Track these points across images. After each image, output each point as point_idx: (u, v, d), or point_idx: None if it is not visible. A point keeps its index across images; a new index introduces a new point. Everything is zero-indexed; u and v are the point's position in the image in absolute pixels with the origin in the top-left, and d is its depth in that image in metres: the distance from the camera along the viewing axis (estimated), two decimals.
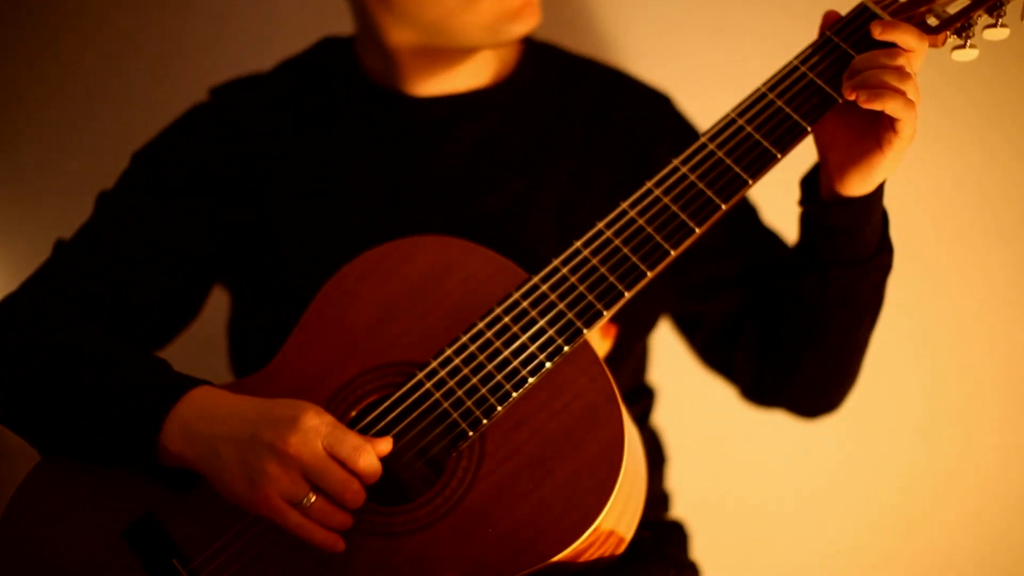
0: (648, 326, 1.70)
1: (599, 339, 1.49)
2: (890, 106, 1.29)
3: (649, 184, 1.39)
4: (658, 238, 1.36)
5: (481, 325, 1.38)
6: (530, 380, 1.34)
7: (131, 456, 1.37)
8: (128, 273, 1.60)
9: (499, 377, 1.35)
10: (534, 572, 1.29)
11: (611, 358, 1.51)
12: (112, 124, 2.18)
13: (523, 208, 1.61)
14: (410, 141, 1.64)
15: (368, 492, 1.33)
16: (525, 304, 1.38)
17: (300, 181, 1.64)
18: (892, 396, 2.05)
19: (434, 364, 1.38)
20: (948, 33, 1.36)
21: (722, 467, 2.14)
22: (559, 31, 1.84)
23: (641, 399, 1.73)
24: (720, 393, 1.82)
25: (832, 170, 1.40)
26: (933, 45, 1.36)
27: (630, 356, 1.66)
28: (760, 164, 1.36)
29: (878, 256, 1.46)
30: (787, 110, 1.37)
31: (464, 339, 1.38)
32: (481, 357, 1.37)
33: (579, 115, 1.66)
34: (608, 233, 1.38)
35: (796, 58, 1.39)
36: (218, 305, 1.77)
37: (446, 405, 1.36)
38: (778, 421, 1.82)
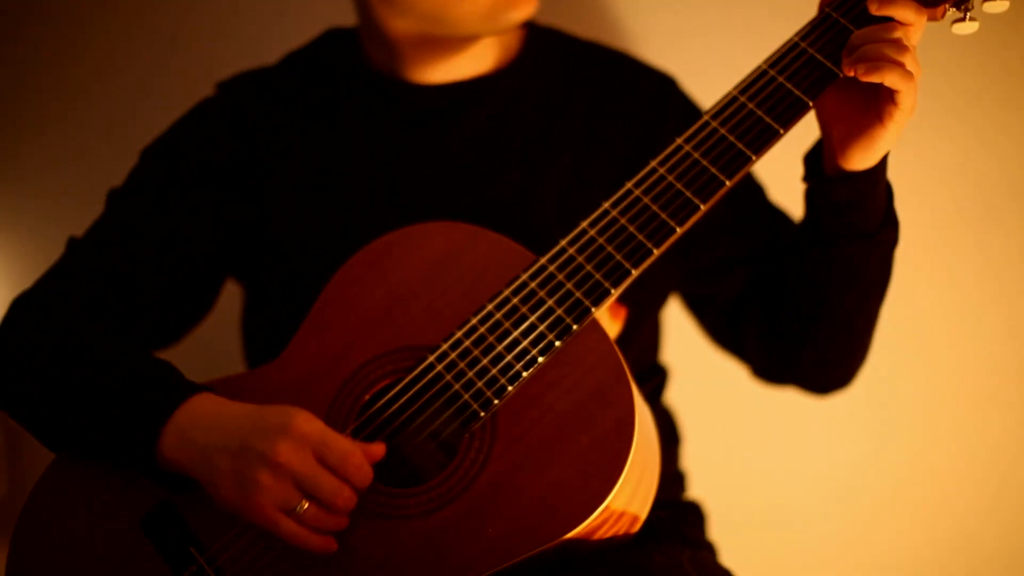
0: (657, 304, 1.71)
1: (609, 320, 1.50)
2: (888, 78, 1.30)
3: (653, 163, 1.39)
4: (663, 216, 1.37)
5: (490, 307, 1.39)
6: (540, 359, 1.35)
7: (131, 461, 1.39)
8: (141, 269, 1.61)
9: (509, 357, 1.36)
10: (548, 550, 1.30)
11: (621, 338, 1.52)
12: (120, 119, 2.19)
13: (529, 192, 1.62)
14: (414, 129, 1.65)
15: (381, 475, 1.35)
16: (533, 285, 1.39)
17: (306, 173, 1.65)
18: (908, 376, 2.05)
19: (445, 347, 1.39)
20: (947, 6, 1.36)
21: (738, 447, 2.14)
22: (562, 16, 1.85)
23: (653, 378, 1.74)
24: (735, 373, 1.83)
25: (835, 145, 1.40)
26: (932, 18, 1.37)
27: (640, 335, 1.67)
28: (763, 140, 1.37)
29: (884, 230, 1.47)
30: (788, 86, 1.37)
31: (474, 321, 1.39)
32: (491, 338, 1.38)
33: (583, 98, 1.67)
34: (614, 213, 1.39)
35: (796, 35, 1.39)
36: (232, 298, 1.78)
37: (457, 387, 1.37)
38: (794, 400, 1.83)
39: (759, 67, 1.39)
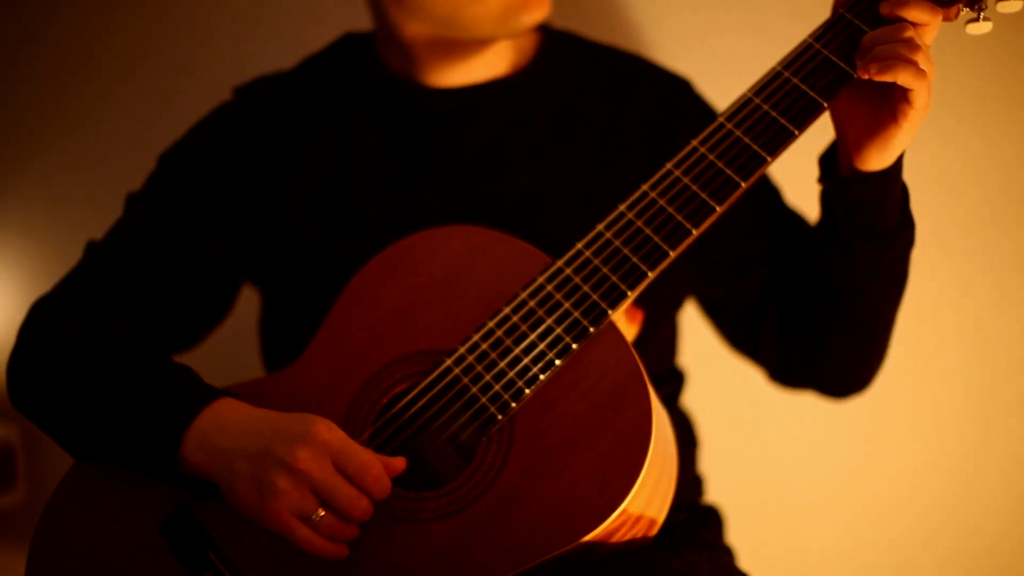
0: (674, 307, 1.71)
1: (625, 323, 1.50)
2: (901, 77, 1.30)
3: (669, 165, 1.40)
4: (679, 218, 1.37)
5: (507, 310, 1.39)
6: (557, 362, 1.36)
7: (152, 465, 1.39)
8: (159, 274, 1.62)
9: (526, 360, 1.36)
10: (566, 553, 1.30)
11: (638, 341, 1.52)
12: (138, 123, 2.21)
13: (543, 195, 1.62)
14: (430, 132, 1.65)
15: (399, 479, 1.35)
16: (550, 288, 1.39)
17: (322, 177, 1.66)
18: (926, 379, 2.05)
19: (462, 350, 1.39)
20: (961, 6, 1.36)
21: (756, 451, 2.14)
22: (577, 19, 1.86)
23: (670, 382, 1.74)
24: (752, 377, 1.83)
25: (850, 145, 1.41)
26: (947, 19, 1.36)
27: (657, 339, 1.67)
28: (778, 141, 1.37)
29: (900, 230, 1.46)
30: (803, 87, 1.37)
31: (490, 324, 1.39)
32: (508, 342, 1.38)
33: (598, 102, 1.67)
34: (630, 215, 1.39)
35: (810, 36, 1.40)
36: (249, 302, 1.79)
37: (475, 390, 1.37)
38: (811, 404, 1.83)
39: (773, 69, 1.40)
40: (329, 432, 1.32)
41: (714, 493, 1.81)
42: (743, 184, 1.37)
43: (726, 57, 1.96)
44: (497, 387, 1.36)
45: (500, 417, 1.35)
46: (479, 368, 1.38)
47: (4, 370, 1.55)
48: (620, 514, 1.29)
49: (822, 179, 1.49)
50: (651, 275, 1.37)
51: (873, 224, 1.45)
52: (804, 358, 1.64)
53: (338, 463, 1.31)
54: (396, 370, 1.42)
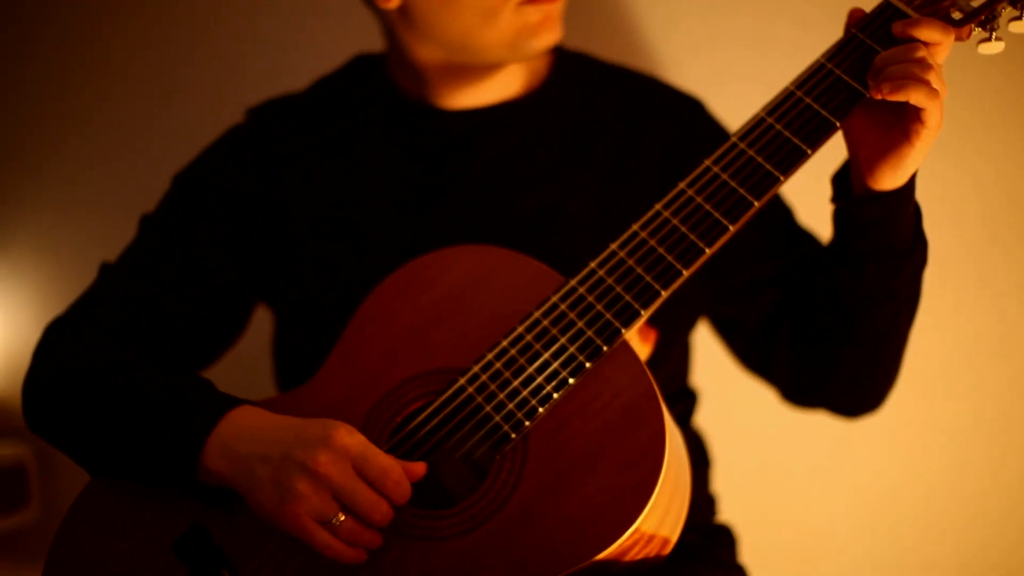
0: (687, 327, 1.71)
1: (639, 343, 1.50)
2: (914, 96, 1.30)
3: (682, 185, 1.40)
4: (692, 237, 1.38)
5: (521, 329, 1.40)
6: (570, 381, 1.36)
7: (173, 474, 1.39)
8: (172, 295, 1.63)
9: (540, 379, 1.37)
10: (579, 571, 1.30)
11: (651, 361, 1.52)
12: (151, 141, 2.22)
13: (556, 215, 1.63)
14: (442, 153, 1.66)
15: (413, 497, 1.35)
16: (564, 307, 1.39)
17: (334, 199, 1.66)
18: (939, 397, 2.05)
19: (475, 369, 1.39)
20: (973, 26, 1.37)
21: (769, 470, 2.14)
22: (590, 40, 1.86)
23: (683, 401, 1.74)
24: (765, 396, 1.83)
25: (863, 165, 1.41)
26: (959, 38, 1.37)
27: (670, 358, 1.67)
28: (791, 160, 1.37)
29: (913, 249, 1.47)
30: (815, 107, 1.38)
31: (504, 343, 1.40)
32: (522, 360, 1.38)
33: (611, 122, 1.68)
34: (643, 234, 1.40)
35: (822, 56, 1.40)
36: (262, 323, 1.79)
37: (488, 409, 1.38)
38: (824, 423, 1.83)
39: (786, 89, 1.40)
40: (349, 436, 1.32)
41: (727, 512, 1.80)
42: (756, 203, 1.37)
43: (738, 77, 1.97)
44: (511, 406, 1.37)
45: (513, 436, 1.35)
46: (493, 387, 1.38)
47: (16, 389, 1.56)
48: (633, 533, 1.29)
49: (835, 199, 1.49)
50: (664, 294, 1.37)
51: (886, 244, 1.45)
52: (816, 377, 1.64)
53: (358, 467, 1.31)
54: (410, 389, 1.42)
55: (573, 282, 1.40)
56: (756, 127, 1.40)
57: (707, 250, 1.37)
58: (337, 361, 1.47)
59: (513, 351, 1.39)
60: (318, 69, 1.78)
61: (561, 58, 1.72)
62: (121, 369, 1.48)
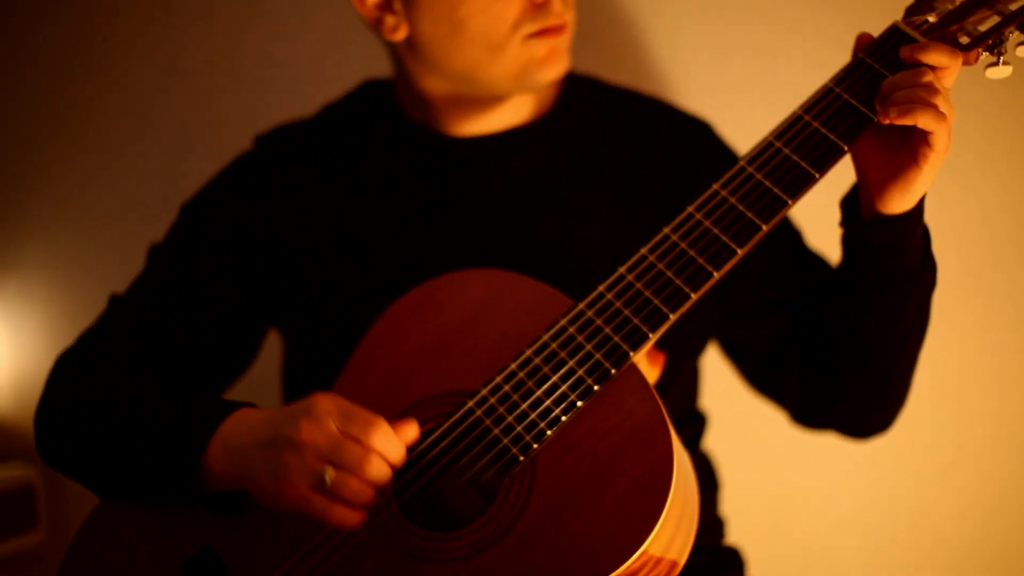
0: (696, 350, 1.72)
1: (647, 366, 1.50)
2: (921, 120, 1.30)
3: (690, 209, 1.40)
4: (700, 260, 1.38)
5: (529, 352, 1.40)
6: (579, 403, 1.36)
7: (180, 481, 1.39)
8: (182, 324, 1.64)
9: (548, 402, 1.37)
10: None
11: (660, 384, 1.53)
12: (160, 167, 2.23)
13: (566, 238, 1.63)
14: (450, 179, 1.67)
15: (421, 519, 1.35)
16: (572, 330, 1.40)
17: (342, 225, 1.67)
18: (949, 418, 2.04)
19: (484, 392, 1.40)
20: (981, 50, 1.37)
21: (777, 493, 2.14)
22: (598, 63, 1.87)
23: (692, 424, 1.74)
24: (774, 418, 1.83)
25: (871, 189, 1.41)
26: (967, 63, 1.37)
27: (679, 381, 1.67)
28: (799, 184, 1.37)
29: (922, 273, 1.47)
30: (823, 131, 1.38)
31: (513, 366, 1.40)
32: (530, 383, 1.38)
33: (620, 146, 1.68)
34: (651, 258, 1.40)
35: (831, 80, 1.40)
36: (272, 348, 1.80)
37: (497, 431, 1.38)
38: (834, 445, 1.82)
39: (794, 113, 1.40)
40: (330, 401, 1.32)
41: (735, 535, 1.80)
42: (764, 227, 1.37)
43: (746, 100, 1.97)
44: (519, 428, 1.37)
45: (522, 458, 1.36)
46: (501, 410, 1.38)
47: (25, 411, 1.57)
48: (641, 555, 1.29)
49: (843, 222, 1.49)
50: (673, 317, 1.37)
51: (895, 267, 1.46)
52: (826, 399, 1.64)
53: (342, 426, 1.30)
54: (419, 411, 1.42)
55: (581, 305, 1.40)
56: (764, 151, 1.40)
57: (715, 273, 1.37)
58: (346, 383, 1.47)
59: (522, 374, 1.39)
60: (326, 95, 1.79)
61: (570, 82, 1.72)
62: (130, 397, 1.48)
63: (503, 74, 1.59)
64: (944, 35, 1.38)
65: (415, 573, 1.34)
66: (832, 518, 2.13)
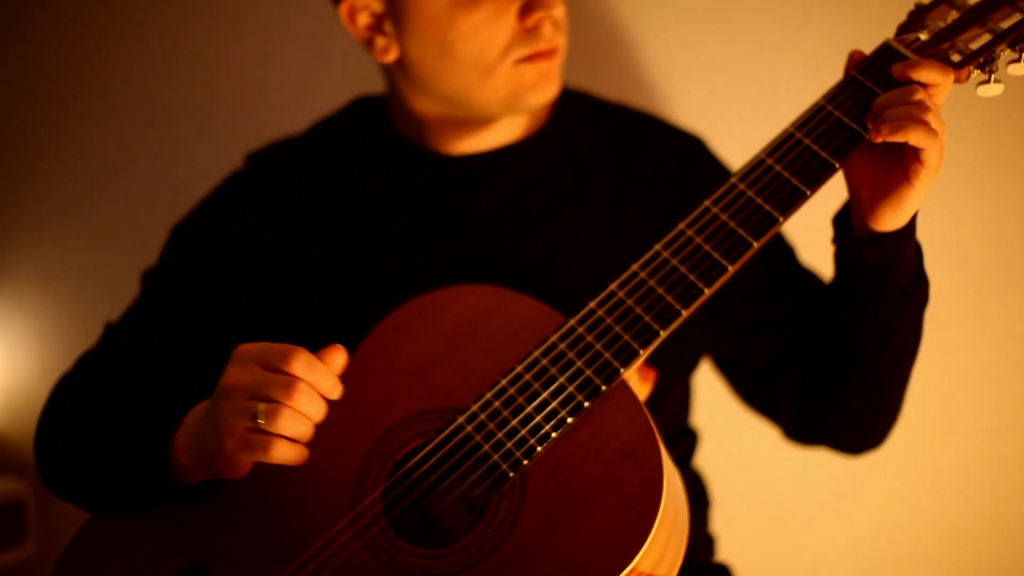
0: (687, 367, 1.72)
1: (638, 383, 1.50)
2: (913, 137, 1.30)
3: (681, 225, 1.41)
4: (691, 277, 1.38)
5: (520, 368, 1.40)
6: (569, 420, 1.36)
7: (151, 475, 1.39)
8: (176, 351, 1.64)
9: (539, 418, 1.37)
10: None
11: (651, 401, 1.53)
12: (152, 185, 2.23)
13: (558, 255, 1.63)
14: (442, 196, 1.67)
15: (410, 536, 1.35)
16: (563, 346, 1.39)
17: (335, 241, 1.67)
18: (946, 436, 2.04)
19: (474, 408, 1.39)
20: (972, 68, 1.37)
21: (768, 510, 2.14)
22: (590, 78, 1.87)
23: (683, 441, 1.74)
24: (765, 435, 1.83)
25: (863, 206, 1.41)
26: (958, 80, 1.38)
27: (671, 398, 1.67)
28: (790, 202, 1.37)
29: (914, 289, 1.47)
30: (815, 148, 1.38)
31: (503, 383, 1.39)
32: (520, 399, 1.38)
33: (613, 162, 1.68)
34: (642, 275, 1.40)
35: (822, 98, 1.41)
36: None
37: (487, 448, 1.37)
38: (826, 461, 1.82)
39: (786, 130, 1.41)
40: (250, 344, 1.31)
41: (726, 552, 1.80)
42: (755, 244, 1.37)
43: (739, 116, 1.97)
44: (509, 445, 1.37)
45: (512, 475, 1.35)
46: (491, 426, 1.38)
47: (15, 424, 1.56)
48: (630, 572, 1.29)
49: (836, 239, 1.49)
50: (664, 334, 1.37)
51: (887, 283, 1.46)
52: (819, 415, 1.64)
53: (264, 363, 1.29)
54: (409, 427, 1.42)
55: (572, 322, 1.40)
56: (756, 168, 1.40)
57: (706, 290, 1.37)
58: (337, 401, 1.47)
59: (512, 390, 1.39)
60: (318, 111, 1.79)
61: (563, 99, 1.72)
62: (124, 420, 1.48)
63: (494, 97, 1.59)
64: (936, 53, 1.38)
65: None
66: (823, 535, 2.13)
